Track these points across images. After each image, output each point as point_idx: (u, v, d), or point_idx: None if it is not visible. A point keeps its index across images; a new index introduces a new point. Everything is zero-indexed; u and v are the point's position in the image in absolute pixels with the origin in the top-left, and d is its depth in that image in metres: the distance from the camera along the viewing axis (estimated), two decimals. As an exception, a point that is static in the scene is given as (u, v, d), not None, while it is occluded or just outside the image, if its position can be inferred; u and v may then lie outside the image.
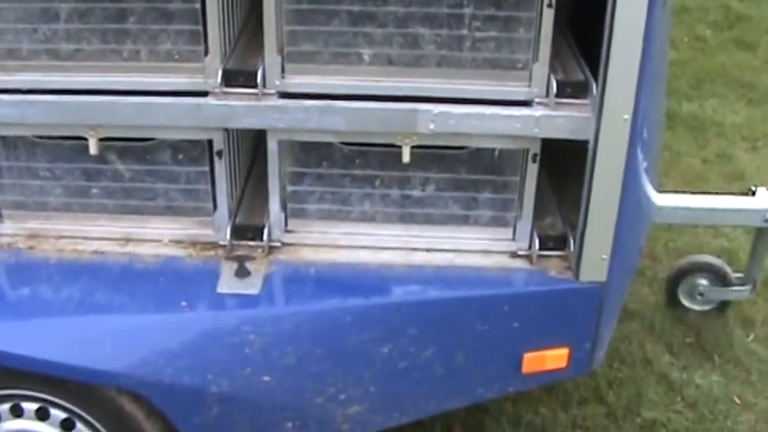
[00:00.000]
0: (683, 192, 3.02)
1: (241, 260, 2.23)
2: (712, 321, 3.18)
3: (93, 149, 2.20)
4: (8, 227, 2.36)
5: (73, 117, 2.17)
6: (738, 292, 3.13)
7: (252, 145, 2.43)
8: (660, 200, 2.80)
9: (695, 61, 5.11)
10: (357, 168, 2.23)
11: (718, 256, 3.26)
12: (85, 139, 2.21)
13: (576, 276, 2.23)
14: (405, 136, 2.14)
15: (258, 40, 2.19)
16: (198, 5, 2.09)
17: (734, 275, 3.16)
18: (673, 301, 3.23)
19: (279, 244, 2.30)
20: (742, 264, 3.19)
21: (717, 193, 3.03)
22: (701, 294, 3.19)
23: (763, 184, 2.92)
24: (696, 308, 3.23)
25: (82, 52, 2.17)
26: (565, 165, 2.36)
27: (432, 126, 2.11)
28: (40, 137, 2.24)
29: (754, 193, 2.89)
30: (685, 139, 4.34)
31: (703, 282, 3.21)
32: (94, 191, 2.30)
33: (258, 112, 2.12)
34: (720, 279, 3.18)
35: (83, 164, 2.27)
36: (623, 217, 2.17)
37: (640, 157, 2.15)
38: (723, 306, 3.23)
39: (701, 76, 4.95)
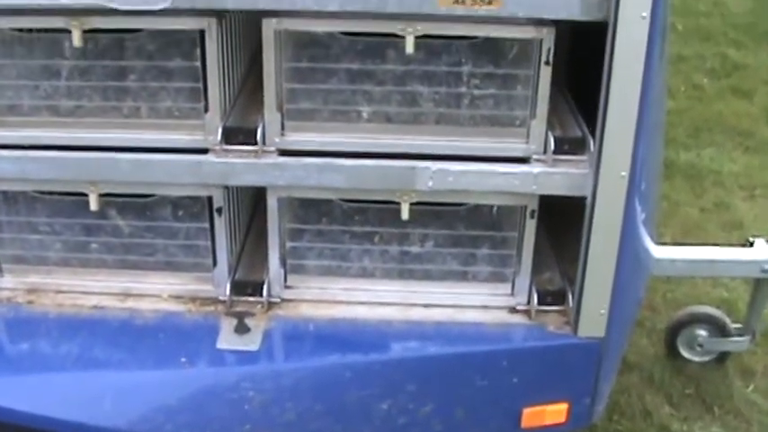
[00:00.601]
0: (682, 243, 3.01)
1: (240, 316, 2.23)
2: (712, 372, 3.16)
3: (93, 205, 2.20)
4: (8, 281, 2.36)
5: (73, 173, 2.17)
6: (738, 343, 3.12)
7: (251, 200, 2.43)
8: (658, 252, 2.79)
9: (692, 110, 5.12)
10: (356, 225, 2.24)
11: (718, 307, 3.25)
12: (86, 195, 2.20)
13: (575, 331, 2.22)
14: (404, 193, 2.15)
15: (258, 97, 2.19)
16: (198, 63, 2.09)
17: (733, 326, 3.15)
18: (672, 352, 3.22)
19: (278, 300, 2.29)
20: (741, 314, 3.18)
21: (715, 245, 3.02)
22: (701, 345, 3.18)
23: (761, 234, 2.92)
24: (696, 359, 3.21)
25: (83, 109, 2.18)
26: (563, 219, 2.36)
27: (430, 183, 2.11)
28: (41, 192, 2.24)
29: (752, 244, 2.88)
30: (683, 189, 4.34)
31: (702, 333, 3.20)
32: (94, 246, 2.30)
33: (258, 169, 2.12)
34: (720, 330, 3.17)
35: (83, 219, 2.27)
36: (622, 272, 2.17)
37: (639, 209, 2.16)
38: (723, 357, 3.21)
39: (699, 124, 4.96)
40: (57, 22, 2.08)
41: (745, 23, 6.32)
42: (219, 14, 2.07)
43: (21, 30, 2.12)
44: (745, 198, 4.32)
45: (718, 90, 5.43)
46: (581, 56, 2.27)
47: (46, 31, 2.12)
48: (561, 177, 2.14)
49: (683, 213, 4.14)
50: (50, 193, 2.25)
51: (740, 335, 3.12)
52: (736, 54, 5.91)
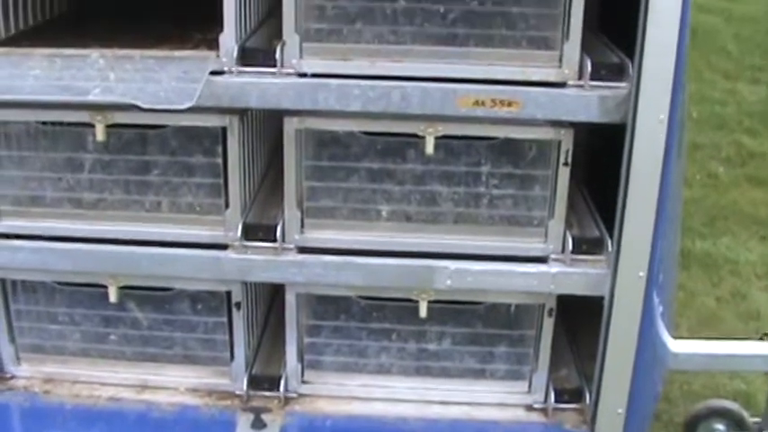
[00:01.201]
0: (699, 336, 2.97)
1: (257, 411, 2.21)
2: (730, 467, 3.10)
3: (112, 297, 2.20)
4: (25, 370, 2.36)
5: (94, 265, 2.18)
6: (756, 438, 3.07)
7: (269, 293, 2.42)
8: (676, 347, 2.74)
9: (708, 198, 5.10)
10: (374, 322, 2.23)
11: (735, 400, 3.20)
12: (105, 287, 2.19)
13: (592, 430, 2.18)
14: (422, 291, 2.14)
15: (277, 193, 2.20)
16: (219, 160, 2.10)
17: (751, 420, 3.09)
18: (689, 445, 3.16)
19: (295, 395, 2.28)
20: (759, 407, 3.13)
21: (732, 338, 2.98)
22: (719, 440, 3.12)
23: (778, 325, 2.88)
24: (714, 453, 3.16)
25: (104, 202, 2.18)
26: (580, 315, 2.34)
27: (449, 282, 2.10)
28: (61, 282, 2.23)
29: (769, 338, 2.85)
30: (699, 278, 4.31)
31: (720, 426, 3.14)
32: (112, 337, 2.30)
33: (277, 266, 2.12)
34: (737, 424, 3.12)
35: (102, 310, 2.27)
36: (639, 369, 2.17)
37: (657, 303, 2.14)
38: (740, 451, 3.15)
39: (715, 213, 4.93)
40: (81, 117, 2.08)
41: (760, 112, 6.32)
42: (241, 112, 2.06)
43: (45, 123, 2.13)
44: (762, 287, 4.28)
45: (733, 178, 5.41)
46: (598, 154, 2.26)
47: (70, 124, 2.12)
48: (579, 277, 2.13)
49: (699, 303, 4.11)
50: (70, 284, 2.22)
51: (758, 429, 3.06)
52: (751, 142, 5.90)
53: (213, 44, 2.11)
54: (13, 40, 2.22)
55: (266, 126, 2.29)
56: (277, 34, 2.15)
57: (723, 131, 5.79)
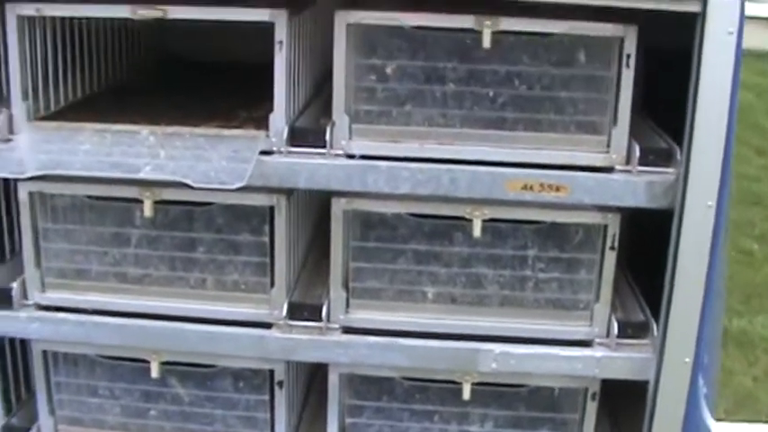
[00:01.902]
0: (737, 419, 2.95)
1: (295, 489, 2.19)
2: None
3: (154, 373, 2.19)
4: (63, 443, 2.32)
5: (137, 340, 2.18)
6: None
7: (309, 372, 2.41)
8: (717, 430, 2.72)
9: (743, 275, 5.08)
10: (416, 403, 2.21)
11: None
12: (147, 362, 2.19)
13: None
14: (466, 374, 2.13)
15: (322, 272, 2.22)
16: (266, 239, 2.11)
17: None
18: None
19: (335, 474, 2.25)
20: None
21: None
22: None
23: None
24: None
25: (150, 277, 2.19)
26: (623, 399, 2.32)
27: (494, 365, 2.09)
28: (102, 356, 2.23)
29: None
30: (736, 357, 4.28)
31: None
32: (153, 412, 2.29)
33: (322, 346, 2.11)
34: None
35: (143, 385, 2.26)
36: (683, 454, 2.08)
37: (701, 384, 2.13)
38: None
39: (750, 291, 4.92)
40: (129, 192, 2.09)
41: (795, 189, 6.33)
42: (289, 192, 2.07)
43: (92, 197, 2.15)
44: (799, 367, 4.25)
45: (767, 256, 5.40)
46: (641, 237, 2.26)
47: (117, 199, 2.13)
48: (624, 362, 2.12)
49: (736, 383, 4.08)
50: (112, 357, 2.22)
51: None
52: (785, 218, 5.90)
53: (260, 123, 2.13)
54: (61, 114, 2.24)
55: (310, 204, 2.28)
56: (324, 114, 2.18)
57: (757, 208, 5.79)
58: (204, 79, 2.77)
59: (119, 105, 2.34)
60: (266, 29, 2.02)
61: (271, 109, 2.09)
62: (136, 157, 2.01)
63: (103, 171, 1.98)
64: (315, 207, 2.35)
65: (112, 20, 2.30)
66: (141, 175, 1.96)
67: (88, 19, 2.31)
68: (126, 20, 2.09)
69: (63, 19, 2.24)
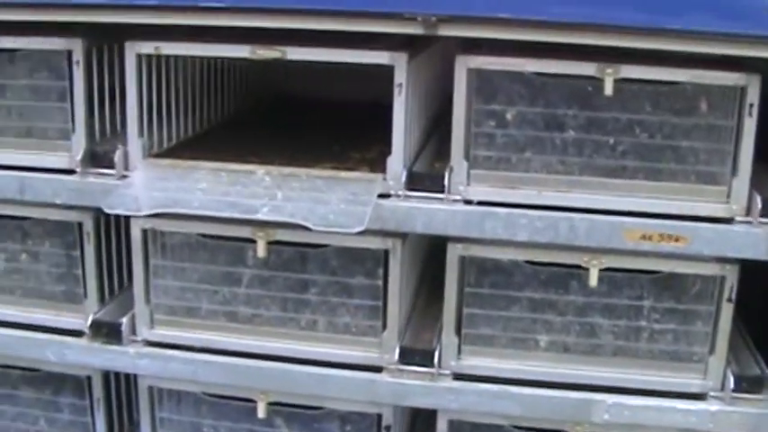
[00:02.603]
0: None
1: None
2: None
3: (261, 413, 2.20)
4: (166, 478, 2.33)
5: (245, 380, 2.19)
6: None
7: (411, 414, 2.40)
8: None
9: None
10: (526, 450, 2.19)
11: None
12: (254, 402, 2.20)
13: None
14: (577, 424, 2.12)
15: (432, 316, 2.22)
16: (380, 282, 2.10)
17: None
18: None
19: None
20: None
21: None
22: None
23: None
24: None
25: (260, 317, 2.20)
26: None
27: (606, 416, 2.07)
28: (208, 394, 2.24)
29: None
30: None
31: None
32: (258, 453, 2.28)
33: (432, 392, 2.11)
34: None
35: (248, 425, 2.27)
36: None
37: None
38: None
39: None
40: (243, 232, 2.10)
41: None
42: (404, 235, 2.07)
43: (206, 235, 2.15)
44: None
45: None
46: (756, 288, 2.23)
47: (231, 239, 2.14)
48: (739, 416, 2.09)
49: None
50: (218, 396, 2.23)
51: None
52: None
53: (374, 165, 2.16)
54: (174, 151, 2.27)
55: (419, 245, 2.28)
56: (438, 157, 2.18)
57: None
58: (311, 117, 2.79)
59: (229, 143, 2.37)
60: (375, 68, 2.03)
61: (383, 151, 2.11)
62: (253, 197, 2.02)
63: (221, 211, 1.99)
64: (423, 248, 2.33)
65: (227, 58, 2.29)
66: (259, 216, 1.97)
67: (200, 57, 2.32)
68: (240, 59, 2.07)
69: (177, 57, 2.24)
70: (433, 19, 1.92)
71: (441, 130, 2.41)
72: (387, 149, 2.08)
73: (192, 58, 2.30)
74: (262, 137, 2.48)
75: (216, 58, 2.44)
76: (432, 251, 2.32)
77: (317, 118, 2.78)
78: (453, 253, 2.06)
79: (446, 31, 1.95)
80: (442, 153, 2.26)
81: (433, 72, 2.32)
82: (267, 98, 2.98)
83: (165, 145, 2.27)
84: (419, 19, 1.92)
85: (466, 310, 2.11)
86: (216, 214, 1.99)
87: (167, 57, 2.21)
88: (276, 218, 1.97)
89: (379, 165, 2.15)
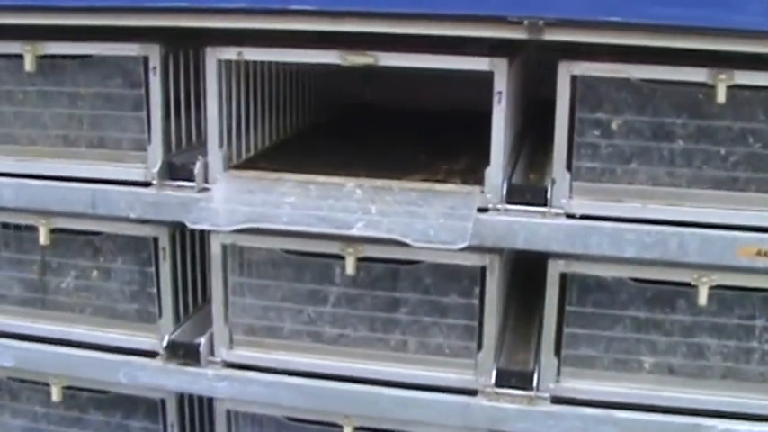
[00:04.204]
0: None
1: None
2: None
3: (344, 437, 2.12)
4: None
5: (329, 404, 2.14)
6: None
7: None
8: None
9: None
10: (628, 479, 2.11)
11: None
12: (339, 426, 2.15)
13: None
14: (685, 450, 2.03)
15: (524, 336, 2.21)
16: (476, 301, 2.04)
17: None
18: None
19: None
20: None
21: None
22: None
23: None
24: None
25: (346, 338, 2.15)
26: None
27: (715, 444, 1.99)
28: (290, 418, 2.17)
29: None
30: None
31: None
32: (340, 479, 2.21)
33: (531, 416, 2.05)
34: None
35: (332, 450, 2.18)
36: None
37: None
38: None
39: None
40: (330, 248, 2.04)
41: None
42: (501, 251, 2.00)
43: (290, 251, 2.10)
44: None
45: None
46: None
47: (317, 255, 2.08)
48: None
49: None
50: (300, 420, 2.17)
51: None
52: None
53: (465, 176, 2.11)
54: (253, 162, 2.22)
55: (509, 261, 2.21)
56: (531, 169, 2.16)
57: None
58: (392, 126, 2.73)
59: (311, 154, 2.33)
60: (463, 75, 1.97)
61: (472, 161, 2.10)
62: (345, 211, 1.96)
63: (312, 226, 1.94)
64: (510, 263, 2.26)
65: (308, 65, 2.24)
66: (354, 232, 1.92)
67: (284, 63, 2.26)
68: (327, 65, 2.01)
69: (256, 63, 2.18)
70: (540, 23, 1.85)
71: (529, 141, 2.35)
72: (476, 160, 2.05)
73: (275, 64, 2.22)
74: (344, 147, 2.43)
75: (299, 65, 2.35)
76: (525, 265, 2.25)
77: (398, 127, 2.73)
78: (554, 270, 2.00)
79: (552, 35, 1.89)
80: (535, 164, 2.21)
81: (523, 79, 2.25)
82: (344, 106, 2.91)
83: (243, 156, 2.23)
84: (525, 23, 1.84)
85: (566, 330, 2.05)
86: (307, 230, 1.94)
87: (247, 63, 2.11)
88: (372, 233, 1.91)
89: (469, 176, 2.11)
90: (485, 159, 2.01)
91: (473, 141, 2.08)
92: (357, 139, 2.58)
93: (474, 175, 2.09)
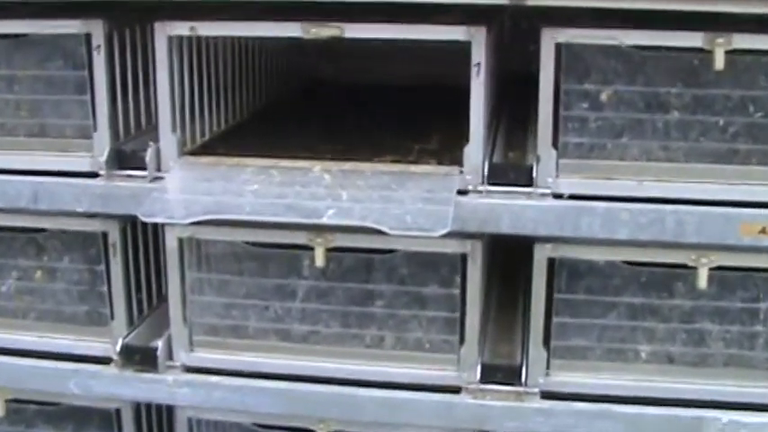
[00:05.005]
0: None
1: None
2: None
3: (320, 444, 1.98)
4: None
5: (302, 408, 2.01)
6: None
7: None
8: None
9: None
10: (625, 478, 1.98)
11: None
12: (312, 431, 1.97)
13: None
14: (689, 445, 1.90)
15: (513, 327, 2.09)
16: (457, 291, 1.92)
17: None
18: None
19: None
20: None
21: None
22: None
23: None
24: None
25: (317, 335, 2.01)
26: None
27: (720, 436, 1.87)
28: (260, 425, 2.04)
29: None
30: None
31: None
32: (315, 489, 2.07)
33: (520, 414, 1.92)
34: None
35: (305, 459, 2.04)
36: None
37: None
38: None
39: None
40: (297, 238, 1.90)
41: None
42: (482, 237, 1.87)
43: (253, 243, 1.96)
44: None
45: None
46: None
47: (283, 246, 1.94)
48: None
49: None
50: (271, 427, 2.02)
51: None
52: None
53: (440, 156, 1.98)
54: (210, 147, 2.08)
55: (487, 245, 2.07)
56: (510, 147, 2.04)
57: None
58: (354, 103, 2.58)
59: (271, 136, 2.20)
60: (432, 46, 1.83)
61: (444, 140, 1.99)
62: (314, 198, 1.82)
63: (278, 215, 1.79)
64: (491, 246, 2.13)
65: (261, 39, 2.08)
66: (324, 221, 1.76)
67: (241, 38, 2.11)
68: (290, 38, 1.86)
69: (209, 38, 2.02)
70: (524, -14, 1.69)
71: (506, 116, 2.21)
72: (449, 138, 1.94)
73: (231, 39, 2.06)
74: (307, 128, 2.30)
75: (256, 39, 2.19)
76: (494, 247, 2.11)
77: (363, 104, 2.58)
78: (541, 254, 1.87)
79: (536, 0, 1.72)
80: (514, 142, 2.09)
81: (497, 49, 2.11)
82: (304, 81, 2.76)
83: (198, 140, 2.08)
84: (507, -14, 1.69)
85: (555, 320, 1.92)
86: (273, 220, 1.79)
87: (200, 39, 1.96)
88: (344, 221, 1.77)
89: (445, 156, 1.97)
90: (459, 137, 1.88)
91: (445, 118, 1.98)
92: (320, 119, 2.45)
93: (450, 154, 1.96)
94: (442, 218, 1.76)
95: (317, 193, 1.85)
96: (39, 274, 2.10)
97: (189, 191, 1.89)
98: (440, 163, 1.95)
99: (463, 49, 1.82)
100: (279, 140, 2.13)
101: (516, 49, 2.30)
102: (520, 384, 1.95)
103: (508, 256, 2.20)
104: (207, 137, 2.13)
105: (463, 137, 1.86)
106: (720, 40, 1.77)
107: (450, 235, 1.80)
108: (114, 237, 2.02)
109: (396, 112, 2.47)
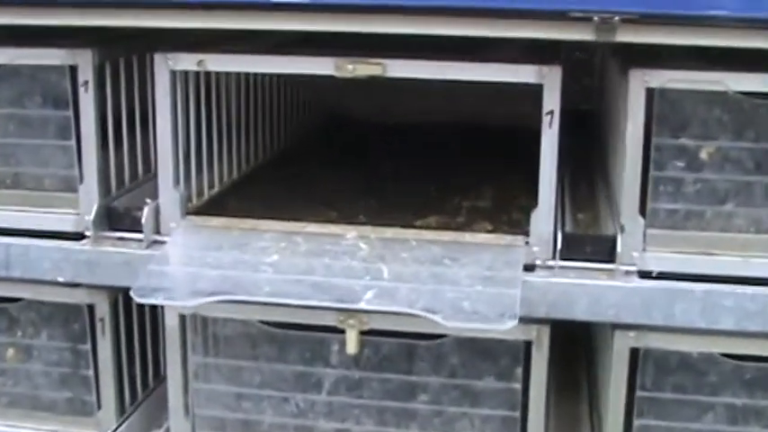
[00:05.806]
0: None
1: None
2: None
3: None
4: None
5: None
6: None
7: None
8: None
9: None
10: None
11: None
12: None
13: None
14: None
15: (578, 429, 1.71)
16: (518, 385, 1.65)
17: None
18: None
19: None
20: None
21: None
22: None
23: None
24: None
25: (346, 434, 1.73)
26: None
27: None
28: None
29: None
30: None
31: None
32: None
33: None
34: None
35: None
36: None
37: None
38: None
39: None
40: (324, 318, 1.64)
41: None
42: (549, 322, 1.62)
43: (271, 323, 1.70)
44: None
45: None
46: None
47: (307, 327, 1.68)
48: None
49: None
50: None
51: None
52: None
53: (494, 219, 1.74)
54: (220, 203, 1.88)
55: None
56: (580, 208, 1.82)
57: None
58: (386, 147, 2.31)
59: (290, 189, 1.93)
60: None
61: (498, 197, 1.78)
62: (348, 275, 1.56)
63: (306, 299, 1.53)
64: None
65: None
66: (363, 305, 1.48)
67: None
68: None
69: (220, 74, 1.75)
70: (616, 19, 1.38)
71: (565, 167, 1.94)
72: (502, 193, 1.76)
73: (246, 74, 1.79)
74: (334, 178, 2.01)
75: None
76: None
77: (397, 146, 2.30)
78: (623, 343, 1.61)
79: (626, 35, 1.47)
80: (580, 201, 1.82)
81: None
82: (324, 118, 2.48)
83: (206, 194, 1.84)
84: (595, 19, 1.39)
85: (637, 422, 1.65)
86: (300, 303, 1.49)
87: (209, 74, 1.75)
88: (388, 308, 1.47)
89: (501, 217, 1.74)
90: (514, 190, 1.72)
91: (494, 163, 1.78)
92: (349, 165, 2.18)
93: (507, 215, 1.74)
94: (508, 304, 1.48)
95: (353, 269, 1.58)
96: (11, 352, 1.86)
97: (194, 262, 1.62)
98: (497, 228, 1.70)
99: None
100: (303, 195, 1.88)
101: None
102: None
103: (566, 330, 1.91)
104: (216, 189, 1.88)
105: (519, 190, 1.67)
106: None
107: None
108: (103, 310, 1.78)
109: (436, 155, 2.20)
